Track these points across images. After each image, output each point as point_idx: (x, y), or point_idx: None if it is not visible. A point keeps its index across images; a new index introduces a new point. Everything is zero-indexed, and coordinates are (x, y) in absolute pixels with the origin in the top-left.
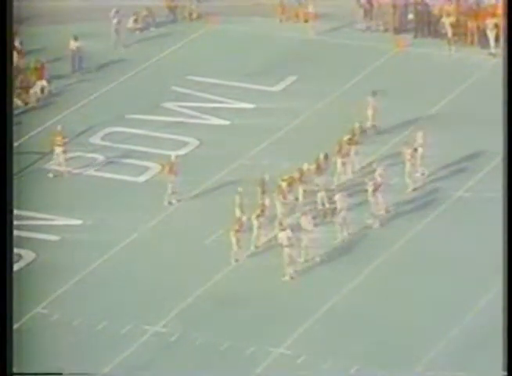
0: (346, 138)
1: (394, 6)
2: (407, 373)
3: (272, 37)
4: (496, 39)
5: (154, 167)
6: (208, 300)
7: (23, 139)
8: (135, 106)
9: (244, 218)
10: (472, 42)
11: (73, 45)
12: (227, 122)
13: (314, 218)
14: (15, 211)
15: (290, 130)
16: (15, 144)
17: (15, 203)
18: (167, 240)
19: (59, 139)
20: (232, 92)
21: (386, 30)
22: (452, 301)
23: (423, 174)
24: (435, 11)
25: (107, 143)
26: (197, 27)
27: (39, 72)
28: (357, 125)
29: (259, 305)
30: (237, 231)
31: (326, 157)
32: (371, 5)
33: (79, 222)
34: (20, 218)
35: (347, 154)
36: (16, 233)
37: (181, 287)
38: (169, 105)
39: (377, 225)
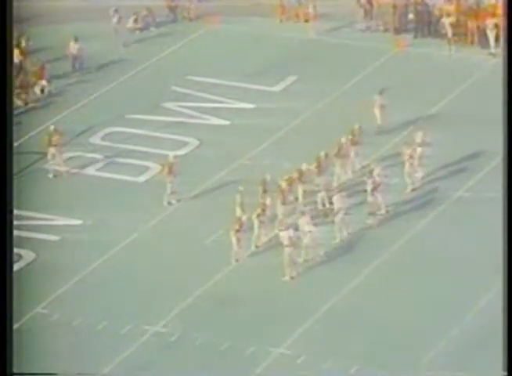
0: (346, 138)
1: (395, 6)
2: (407, 373)
3: (272, 37)
4: (496, 39)
5: (154, 167)
6: (208, 300)
7: (23, 139)
8: (135, 106)
9: (245, 218)
10: (472, 42)
11: (73, 46)
12: (227, 122)
13: (314, 218)
14: (15, 211)
15: (290, 130)
16: (15, 144)
17: (15, 203)
18: (168, 240)
19: (55, 138)
20: (232, 92)
21: (386, 30)
22: (452, 301)
23: (422, 174)
24: (435, 11)
25: (107, 143)
26: (197, 27)
27: (39, 72)
28: (357, 126)
29: (259, 304)
30: (237, 231)
31: (327, 156)
32: (371, 5)
33: (79, 222)
34: (20, 218)
35: (347, 155)
36: (16, 233)
37: (181, 287)
38: (169, 105)
39: (377, 225)
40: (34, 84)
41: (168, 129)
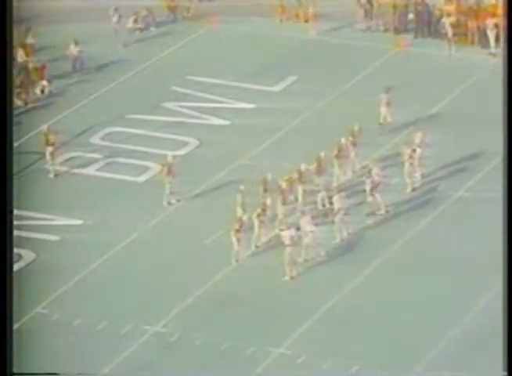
0: (346, 139)
1: (395, 6)
2: (407, 373)
3: (272, 37)
4: (496, 39)
5: (154, 167)
6: (208, 300)
7: (23, 139)
8: (135, 106)
9: (245, 218)
10: (472, 42)
11: (73, 48)
12: (227, 122)
13: (314, 218)
14: (15, 211)
15: (290, 130)
16: (15, 144)
17: (15, 203)
18: (168, 240)
19: (51, 138)
20: (232, 92)
21: (386, 30)
22: (452, 301)
23: (422, 174)
24: (435, 11)
25: (107, 143)
26: (197, 27)
27: (40, 72)
28: (357, 127)
29: (259, 304)
30: (238, 231)
31: (326, 157)
32: (371, 5)
33: (79, 222)
34: (20, 218)
35: (347, 155)
36: (16, 233)
37: (181, 286)
38: (169, 105)
39: (376, 225)
40: (35, 84)
41: (168, 129)
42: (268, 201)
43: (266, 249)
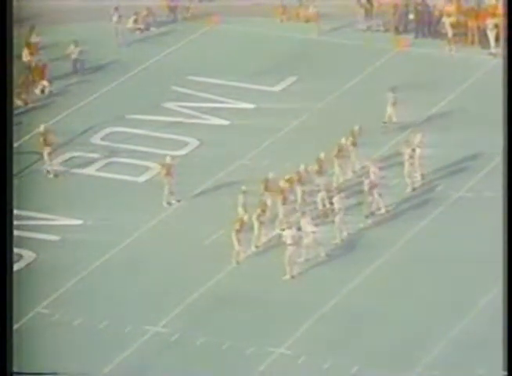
0: (346, 139)
1: (395, 6)
2: (407, 373)
3: (272, 38)
4: (497, 39)
5: (154, 167)
6: (208, 300)
7: (23, 139)
8: (136, 106)
9: (246, 218)
10: (472, 42)
11: (74, 50)
12: (227, 122)
13: (314, 218)
14: (15, 211)
15: (291, 130)
16: (15, 144)
17: (15, 203)
18: (168, 240)
19: (49, 138)
20: (233, 92)
21: (386, 30)
22: (453, 300)
23: (422, 174)
24: (436, 11)
25: (108, 143)
26: (198, 27)
27: (40, 72)
28: (357, 127)
29: (259, 304)
30: (238, 231)
31: (327, 157)
32: (372, 5)
33: (79, 222)
34: (20, 218)
35: (347, 155)
36: (16, 233)
37: (181, 286)
38: (169, 105)
39: (375, 225)
40: (36, 83)
41: (168, 129)
42: (269, 201)
43: (266, 249)
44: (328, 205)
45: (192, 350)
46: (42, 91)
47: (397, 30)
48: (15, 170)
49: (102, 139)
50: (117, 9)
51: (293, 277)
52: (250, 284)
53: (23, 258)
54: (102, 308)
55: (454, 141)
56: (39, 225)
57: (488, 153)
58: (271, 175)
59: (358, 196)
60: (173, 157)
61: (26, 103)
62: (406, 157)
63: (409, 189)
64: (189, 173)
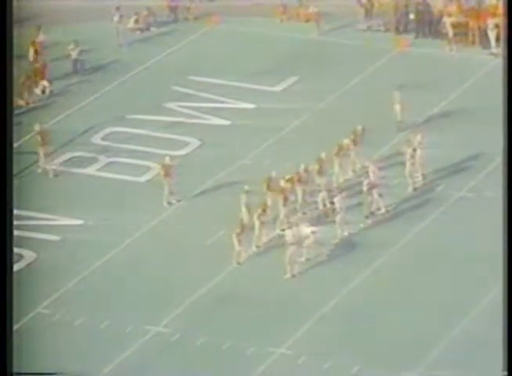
0: (347, 139)
1: (396, 6)
2: (407, 373)
3: (272, 37)
4: (497, 39)
5: (155, 167)
6: (209, 300)
7: (23, 140)
8: (136, 106)
9: (246, 220)
10: (473, 42)
11: (74, 50)
12: (228, 122)
13: (315, 218)
14: (15, 211)
15: (291, 130)
16: (15, 144)
17: (15, 203)
18: (169, 240)
19: (46, 137)
20: (233, 92)
21: (387, 30)
22: (453, 300)
23: (423, 174)
24: (436, 11)
25: (108, 143)
26: (198, 27)
27: (41, 72)
28: (359, 127)
29: (260, 304)
30: (239, 233)
31: (327, 157)
32: (372, 4)
33: (80, 222)
34: (20, 218)
35: (348, 155)
36: (17, 233)
37: (182, 286)
38: (170, 105)
39: (377, 225)
40: (37, 83)
41: (169, 129)
42: (269, 201)
43: (267, 249)
44: (329, 205)
45: (194, 350)
46: (43, 91)
47: (397, 30)
48: (15, 170)
49: (103, 139)
50: (118, 8)
51: (293, 276)
52: (251, 284)
53: (23, 258)
54: (103, 308)
55: (455, 141)
56: (40, 225)
57: (489, 153)
58: (273, 174)
59: (359, 196)
60: (172, 158)
61: (27, 103)
62: (408, 156)
63: (410, 189)
64: (190, 173)
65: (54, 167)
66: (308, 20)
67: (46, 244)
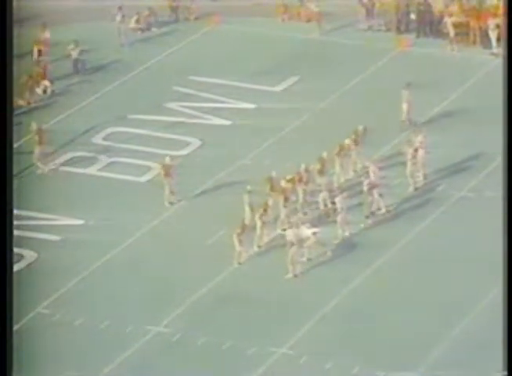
0: (349, 139)
1: (397, 6)
2: (408, 373)
3: (273, 37)
4: (498, 39)
5: (156, 167)
6: (210, 299)
7: (23, 140)
8: (137, 106)
9: (248, 221)
10: (474, 42)
11: (74, 49)
12: (229, 122)
13: (316, 218)
14: (15, 211)
15: (292, 130)
16: (15, 144)
17: (15, 203)
18: (170, 240)
19: (43, 137)
20: (234, 92)
21: (388, 30)
22: (453, 300)
23: (424, 175)
24: (437, 11)
25: (109, 143)
26: (199, 27)
27: (42, 72)
28: (360, 127)
29: (261, 304)
30: (240, 233)
31: (328, 157)
32: (373, 4)
33: (81, 221)
34: (20, 218)
35: (348, 155)
36: (17, 233)
37: (183, 286)
38: (171, 105)
39: (378, 225)
40: (38, 83)
41: (170, 129)
42: (270, 201)
43: (268, 249)
44: (330, 205)
45: (194, 350)
46: (44, 91)
47: (398, 30)
48: (15, 170)
49: (105, 139)
50: (120, 8)
51: (295, 276)
52: (252, 284)
53: (24, 258)
54: (104, 308)
55: (456, 141)
56: (40, 225)
57: (489, 153)
58: (274, 174)
59: (361, 195)
60: (173, 158)
61: (28, 103)
62: (409, 156)
63: (411, 189)
64: (191, 173)
65: (53, 166)
66: (309, 20)
67: (47, 244)
